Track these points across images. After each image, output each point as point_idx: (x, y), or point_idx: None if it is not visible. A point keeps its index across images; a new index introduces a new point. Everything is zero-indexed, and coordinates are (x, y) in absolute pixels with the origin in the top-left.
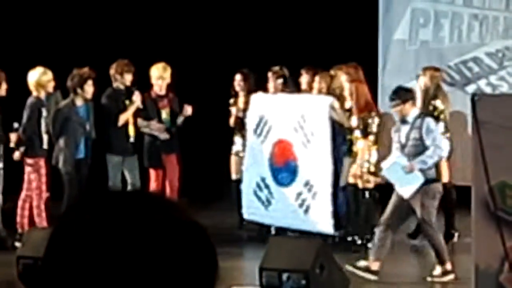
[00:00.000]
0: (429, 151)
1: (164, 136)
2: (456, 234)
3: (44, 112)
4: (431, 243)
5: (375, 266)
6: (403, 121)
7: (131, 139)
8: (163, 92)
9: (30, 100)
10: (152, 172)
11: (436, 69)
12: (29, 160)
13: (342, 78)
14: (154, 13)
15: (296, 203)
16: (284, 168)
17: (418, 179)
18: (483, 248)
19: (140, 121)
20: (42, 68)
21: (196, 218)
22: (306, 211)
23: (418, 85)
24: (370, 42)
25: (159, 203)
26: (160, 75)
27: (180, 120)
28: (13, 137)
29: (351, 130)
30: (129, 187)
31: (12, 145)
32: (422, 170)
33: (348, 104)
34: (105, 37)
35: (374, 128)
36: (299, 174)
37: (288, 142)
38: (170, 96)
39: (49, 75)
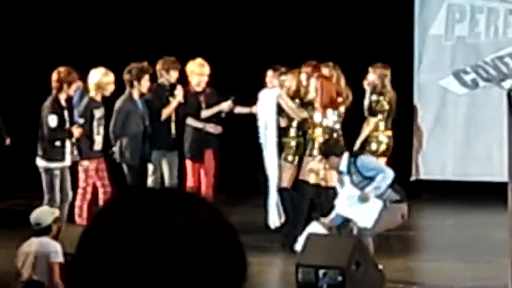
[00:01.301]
0: (379, 178)
1: (218, 130)
2: None
3: (97, 114)
4: None
5: None
6: (340, 172)
7: (173, 135)
8: (200, 88)
9: (85, 101)
10: (190, 165)
11: (385, 67)
12: (83, 161)
13: (302, 77)
14: (183, 10)
15: None
16: None
17: (376, 205)
18: None
19: (192, 120)
20: (104, 69)
21: (227, 217)
22: None
23: (366, 81)
24: (405, 38)
25: (190, 203)
26: (199, 71)
27: (222, 115)
28: (76, 132)
29: (314, 125)
30: (166, 183)
31: (73, 140)
32: (378, 196)
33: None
34: (140, 35)
35: (334, 125)
36: None
37: None
38: (207, 91)
39: (110, 77)
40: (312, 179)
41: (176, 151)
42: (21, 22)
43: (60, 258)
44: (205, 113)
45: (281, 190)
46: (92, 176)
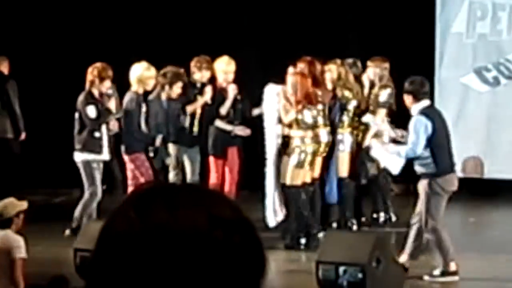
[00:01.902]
0: (403, 148)
1: (246, 133)
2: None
3: (144, 108)
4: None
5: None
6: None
7: (194, 132)
8: (226, 84)
9: (129, 96)
10: (213, 162)
11: (384, 60)
12: (129, 157)
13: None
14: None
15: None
16: None
17: (400, 161)
18: None
19: (221, 123)
20: (146, 63)
21: (247, 214)
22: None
23: (367, 75)
24: (427, 35)
25: (210, 199)
26: (225, 69)
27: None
28: (113, 125)
29: (290, 123)
30: (187, 179)
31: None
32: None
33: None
34: (171, 34)
35: (308, 120)
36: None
37: None
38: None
39: (152, 71)
40: (292, 180)
41: (196, 147)
42: (54, 22)
43: (23, 254)
44: (223, 110)
45: (283, 187)
46: (141, 170)
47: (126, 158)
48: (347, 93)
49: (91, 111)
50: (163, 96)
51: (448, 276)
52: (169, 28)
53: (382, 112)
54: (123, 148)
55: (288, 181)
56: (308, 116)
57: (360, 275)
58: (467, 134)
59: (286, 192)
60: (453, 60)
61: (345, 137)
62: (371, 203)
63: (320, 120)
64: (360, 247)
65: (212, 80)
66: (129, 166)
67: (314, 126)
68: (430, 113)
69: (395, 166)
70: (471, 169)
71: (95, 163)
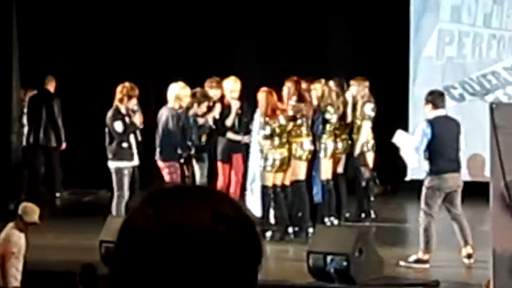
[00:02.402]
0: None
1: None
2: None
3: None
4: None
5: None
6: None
7: (202, 142)
8: (231, 100)
9: (168, 111)
10: (221, 167)
11: (364, 79)
12: (165, 164)
13: (284, 91)
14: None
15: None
16: None
17: (416, 152)
18: (500, 234)
19: (232, 134)
20: (182, 83)
21: (247, 211)
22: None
23: (350, 92)
24: (402, 58)
25: (214, 198)
26: (233, 87)
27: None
28: (137, 120)
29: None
30: (197, 182)
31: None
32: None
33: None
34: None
35: (273, 132)
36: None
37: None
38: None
39: (187, 90)
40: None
41: (205, 154)
42: (91, 47)
43: (14, 249)
44: (228, 122)
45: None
46: (174, 175)
47: (162, 164)
48: (329, 108)
49: (118, 126)
50: (191, 112)
51: (421, 263)
52: (180, 54)
53: (367, 124)
54: (158, 155)
55: (261, 182)
56: (270, 127)
57: (345, 263)
58: None
59: (262, 192)
60: (424, 80)
61: (328, 145)
62: (357, 201)
63: (304, 131)
64: (345, 239)
65: (222, 96)
66: (166, 171)
67: (289, 135)
68: (436, 121)
69: (411, 159)
70: None
71: (125, 170)
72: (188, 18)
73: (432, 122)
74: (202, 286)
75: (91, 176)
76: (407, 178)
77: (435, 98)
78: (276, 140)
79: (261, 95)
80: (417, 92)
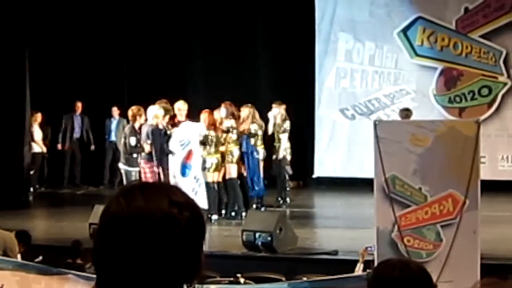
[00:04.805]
0: None
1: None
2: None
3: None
4: None
5: None
6: None
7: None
8: (183, 118)
9: (150, 127)
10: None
11: (281, 103)
12: (149, 164)
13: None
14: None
15: (192, 190)
16: (187, 165)
17: None
18: (381, 216)
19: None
20: (158, 105)
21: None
22: (195, 194)
23: (272, 113)
24: (310, 88)
25: (170, 191)
26: (181, 107)
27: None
28: (146, 147)
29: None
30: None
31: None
32: None
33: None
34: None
35: (210, 141)
36: (191, 171)
37: (193, 151)
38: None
39: (162, 111)
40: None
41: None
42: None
43: None
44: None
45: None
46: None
47: (147, 165)
48: (254, 126)
49: (133, 141)
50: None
51: None
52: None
53: (285, 136)
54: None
55: (204, 180)
56: (214, 137)
57: (269, 238)
58: (336, 149)
59: (205, 186)
60: (326, 104)
61: (260, 152)
62: (277, 192)
63: (234, 141)
64: (269, 220)
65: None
66: (149, 170)
67: (221, 144)
68: None
69: None
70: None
71: (133, 172)
72: (146, 47)
73: None
74: (162, 255)
75: (86, 175)
76: (314, 176)
77: (402, 112)
78: (212, 148)
79: (203, 115)
80: (321, 112)
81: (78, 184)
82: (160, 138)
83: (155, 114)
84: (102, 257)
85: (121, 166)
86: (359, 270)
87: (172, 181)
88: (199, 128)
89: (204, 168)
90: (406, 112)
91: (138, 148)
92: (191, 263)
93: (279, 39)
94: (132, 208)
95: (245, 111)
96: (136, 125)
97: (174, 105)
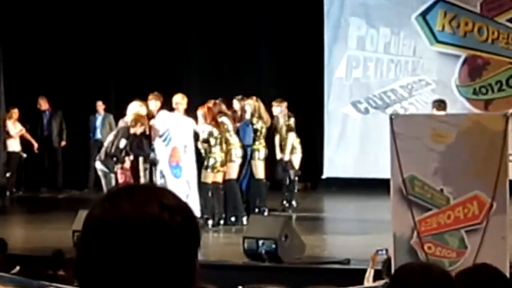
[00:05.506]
0: None
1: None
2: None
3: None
4: None
5: None
6: None
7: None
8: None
9: (122, 124)
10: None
11: (283, 100)
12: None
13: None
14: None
15: (184, 193)
16: (175, 166)
17: None
18: (398, 221)
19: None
20: (140, 102)
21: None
22: (187, 198)
23: (275, 111)
24: (318, 80)
25: (161, 193)
26: (180, 101)
27: None
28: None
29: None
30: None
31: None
32: None
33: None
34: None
35: (214, 138)
36: (182, 173)
37: (177, 148)
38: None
39: (144, 109)
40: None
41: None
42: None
43: None
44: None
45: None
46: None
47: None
48: (260, 121)
49: (122, 143)
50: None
51: None
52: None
53: (292, 135)
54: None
55: (202, 180)
56: (215, 133)
57: (273, 246)
58: (347, 147)
59: (201, 188)
60: (336, 97)
61: (261, 150)
62: (282, 195)
63: (235, 140)
64: (273, 226)
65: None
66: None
67: (224, 142)
68: None
69: None
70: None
71: (112, 174)
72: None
73: None
74: (151, 264)
75: (65, 178)
76: (323, 176)
77: (434, 104)
78: (217, 146)
79: (202, 110)
80: (331, 107)
81: (59, 187)
82: (145, 150)
83: (135, 118)
84: (85, 267)
85: (99, 166)
86: (369, 276)
87: (159, 182)
88: (191, 124)
89: (206, 167)
90: (439, 104)
91: (123, 156)
92: (184, 274)
93: (283, 26)
94: (118, 212)
95: (250, 104)
96: (132, 130)
97: (172, 99)
